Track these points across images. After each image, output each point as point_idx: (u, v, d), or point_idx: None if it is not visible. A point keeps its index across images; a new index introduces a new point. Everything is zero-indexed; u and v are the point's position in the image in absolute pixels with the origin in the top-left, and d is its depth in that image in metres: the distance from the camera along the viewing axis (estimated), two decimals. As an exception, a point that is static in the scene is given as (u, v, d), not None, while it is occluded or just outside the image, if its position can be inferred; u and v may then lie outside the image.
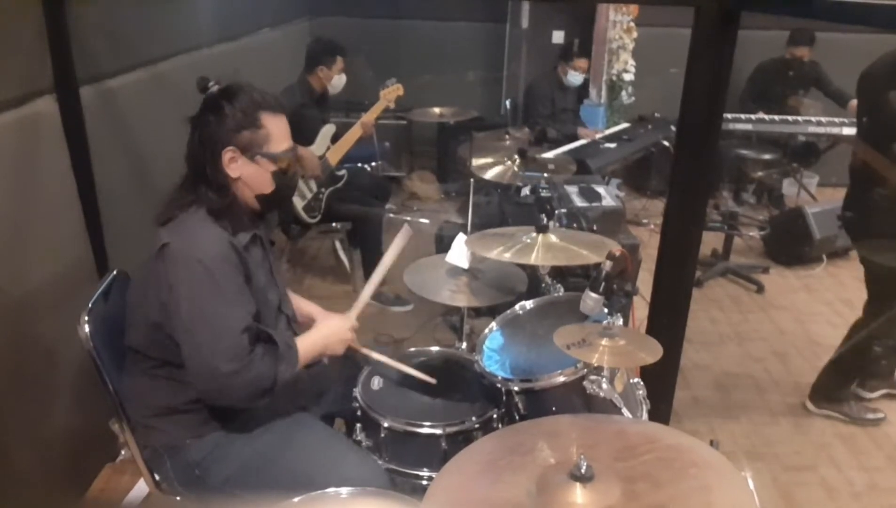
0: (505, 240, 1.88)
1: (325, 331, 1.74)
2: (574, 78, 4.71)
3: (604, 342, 1.41)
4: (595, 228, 2.91)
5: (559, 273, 2.21)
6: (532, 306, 1.97)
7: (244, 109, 1.54)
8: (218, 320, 1.48)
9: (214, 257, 1.50)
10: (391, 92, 3.59)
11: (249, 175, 1.58)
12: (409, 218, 4.74)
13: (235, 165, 1.56)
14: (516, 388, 1.65)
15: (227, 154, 1.54)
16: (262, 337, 1.56)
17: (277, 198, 1.64)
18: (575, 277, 2.69)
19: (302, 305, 1.88)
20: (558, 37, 5.57)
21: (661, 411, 2.04)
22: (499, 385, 1.69)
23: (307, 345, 1.66)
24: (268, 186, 1.60)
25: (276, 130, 1.58)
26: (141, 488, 2.22)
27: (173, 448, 1.62)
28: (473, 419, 1.68)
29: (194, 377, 1.51)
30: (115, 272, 1.81)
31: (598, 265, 1.66)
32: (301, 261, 4.13)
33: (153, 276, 1.52)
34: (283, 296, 1.78)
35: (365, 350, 1.83)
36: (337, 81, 3.59)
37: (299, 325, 1.82)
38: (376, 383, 1.83)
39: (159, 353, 1.58)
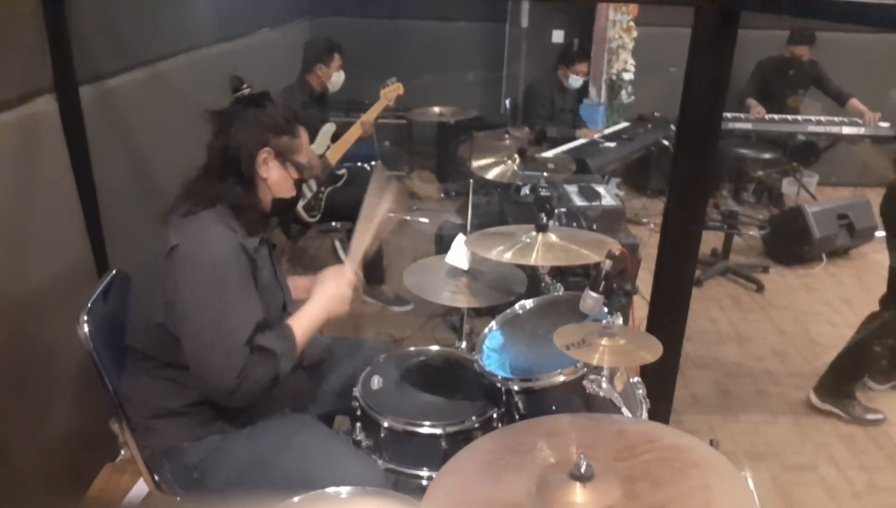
0: (505, 239, 1.88)
1: (323, 300, 1.68)
2: (575, 82, 4.72)
3: (604, 341, 1.41)
4: (595, 227, 2.91)
5: (559, 273, 2.21)
6: (532, 305, 1.97)
7: (286, 117, 1.62)
8: (223, 335, 1.48)
9: (224, 259, 1.50)
10: (391, 91, 3.59)
11: (276, 178, 1.63)
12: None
13: (266, 167, 1.61)
14: (516, 387, 1.65)
15: (263, 154, 1.59)
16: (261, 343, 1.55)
17: (288, 206, 1.71)
18: (575, 276, 2.70)
19: (299, 282, 1.87)
20: (558, 36, 5.57)
21: (660, 410, 2.04)
22: (499, 385, 1.68)
23: (307, 320, 1.64)
24: (290, 192, 1.67)
25: (306, 142, 1.67)
26: (141, 488, 2.22)
27: (171, 451, 1.62)
28: (473, 418, 1.68)
29: (196, 383, 1.53)
30: (114, 272, 1.80)
31: (597, 265, 1.66)
32: (301, 260, 4.13)
33: (160, 276, 1.51)
34: (288, 296, 1.78)
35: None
36: (336, 79, 3.59)
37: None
38: (376, 382, 1.83)
39: (160, 353, 1.58)
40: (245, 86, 1.64)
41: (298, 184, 1.68)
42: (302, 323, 1.63)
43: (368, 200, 1.86)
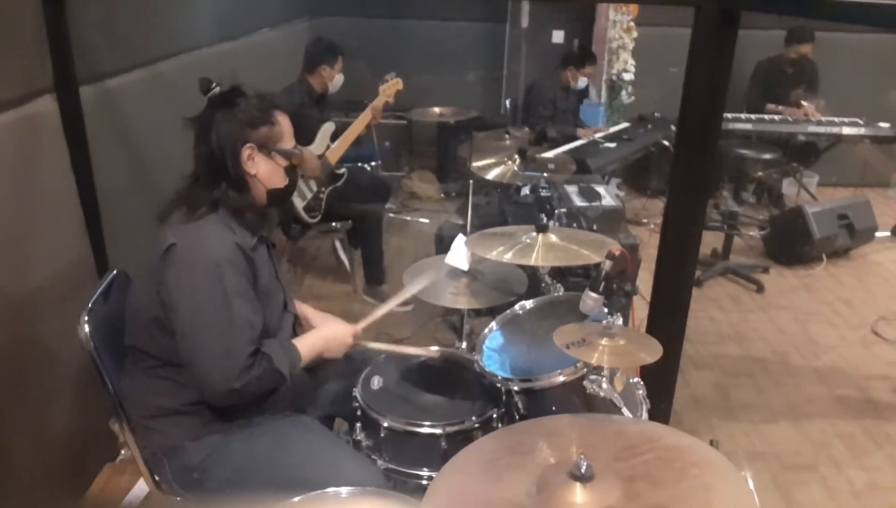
0: (505, 240, 1.88)
1: (327, 333, 1.75)
2: (582, 82, 4.76)
3: (603, 341, 1.41)
4: (595, 227, 2.91)
5: (559, 273, 2.21)
6: (532, 305, 1.97)
7: (259, 106, 1.57)
8: (224, 337, 1.49)
9: (221, 260, 1.50)
10: (390, 87, 3.59)
11: (265, 171, 1.60)
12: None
13: (252, 162, 1.58)
14: (516, 388, 1.65)
15: (246, 151, 1.56)
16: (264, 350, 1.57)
17: (285, 195, 1.68)
18: (575, 277, 2.69)
19: (304, 310, 1.89)
20: (558, 36, 5.57)
21: (661, 410, 2.04)
22: (498, 385, 1.69)
23: (306, 347, 1.67)
24: (282, 181, 1.64)
25: (287, 128, 1.63)
26: (141, 488, 2.22)
27: (172, 450, 1.62)
28: (473, 418, 1.68)
29: (193, 382, 1.53)
30: (115, 272, 1.80)
31: (597, 265, 1.66)
32: (301, 261, 4.12)
33: (157, 276, 1.52)
34: (288, 295, 1.78)
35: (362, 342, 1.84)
36: (338, 80, 3.60)
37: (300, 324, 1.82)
38: (376, 382, 1.83)
39: (160, 352, 1.58)
40: (214, 85, 1.61)
41: (290, 170, 1.64)
42: (303, 346, 1.67)
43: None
